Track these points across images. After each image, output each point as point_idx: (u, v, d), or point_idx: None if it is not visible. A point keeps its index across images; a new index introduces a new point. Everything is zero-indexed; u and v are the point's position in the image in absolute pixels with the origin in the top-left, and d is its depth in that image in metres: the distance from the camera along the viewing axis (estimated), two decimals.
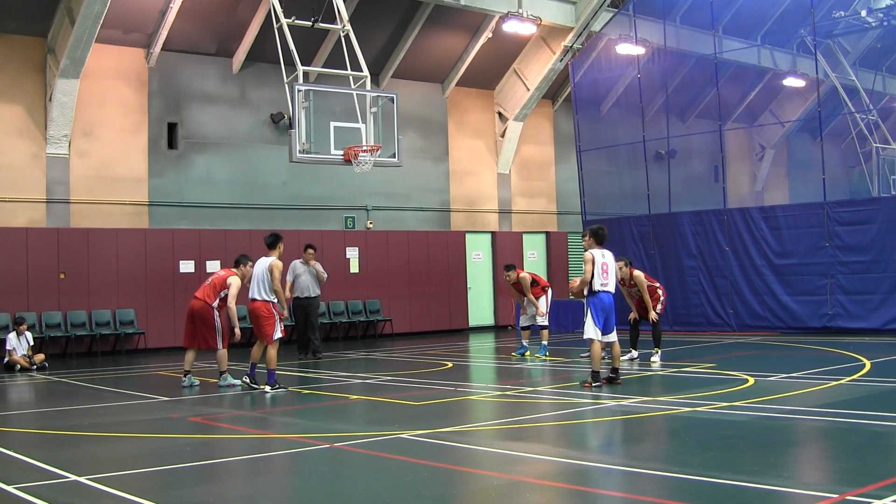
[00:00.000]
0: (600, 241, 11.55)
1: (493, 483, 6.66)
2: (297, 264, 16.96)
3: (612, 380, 11.42)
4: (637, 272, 14.14)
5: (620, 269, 13.77)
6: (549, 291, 16.26)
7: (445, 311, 23.72)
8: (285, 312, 12.46)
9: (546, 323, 16.01)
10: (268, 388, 11.97)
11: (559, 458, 7.39)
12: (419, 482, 6.69)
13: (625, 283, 14.10)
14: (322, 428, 9.20)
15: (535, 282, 15.91)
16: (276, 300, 12.17)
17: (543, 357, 15.33)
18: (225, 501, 6.36)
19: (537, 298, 15.79)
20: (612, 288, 11.46)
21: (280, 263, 12.28)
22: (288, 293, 16.90)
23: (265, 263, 12.19)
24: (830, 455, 7.42)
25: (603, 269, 11.38)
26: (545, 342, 15.82)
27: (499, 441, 8.30)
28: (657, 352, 13.98)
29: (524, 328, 16.28)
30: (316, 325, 17.10)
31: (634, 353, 14.29)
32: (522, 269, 16.91)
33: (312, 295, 16.86)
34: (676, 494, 6.04)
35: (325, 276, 17.21)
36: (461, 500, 6.24)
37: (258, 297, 12.12)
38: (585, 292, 11.40)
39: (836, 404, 9.45)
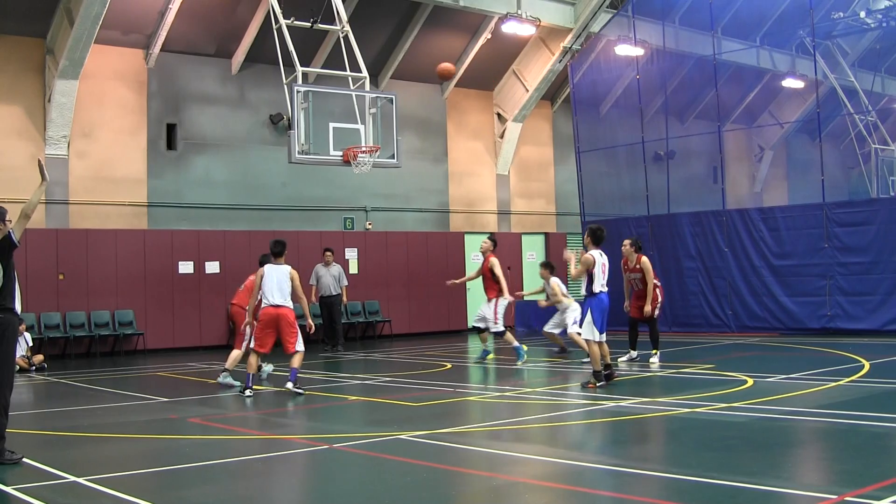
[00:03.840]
0: (598, 242, 11.59)
1: (492, 484, 6.66)
2: (319, 267, 19.09)
3: (609, 376, 11.43)
4: (645, 258, 13.88)
5: (625, 247, 13.74)
6: (504, 299, 14.92)
7: (444, 312, 23.71)
8: (310, 321, 12.03)
9: (501, 329, 14.82)
10: (290, 385, 11.53)
11: (558, 459, 7.40)
12: (418, 483, 6.69)
13: (627, 266, 13.95)
14: (321, 429, 9.21)
15: (495, 276, 14.82)
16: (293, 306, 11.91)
17: (522, 362, 14.48)
18: (224, 502, 6.36)
19: (489, 301, 14.85)
20: (606, 287, 11.55)
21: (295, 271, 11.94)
22: (314, 297, 18.80)
23: (285, 271, 11.71)
24: (829, 456, 7.42)
25: (602, 270, 11.44)
26: (516, 344, 14.80)
27: (497, 442, 8.31)
28: (656, 353, 13.93)
29: (482, 330, 15.11)
30: (338, 320, 19.19)
31: (634, 354, 14.20)
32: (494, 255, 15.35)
33: (334, 293, 18.93)
34: (675, 495, 6.05)
35: (346, 282, 19.35)
36: (460, 501, 6.25)
37: (284, 304, 11.64)
38: (584, 292, 11.51)
39: (835, 405, 9.45)
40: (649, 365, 13.63)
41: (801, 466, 7.14)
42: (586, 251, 11.61)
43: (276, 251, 11.92)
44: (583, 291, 11.57)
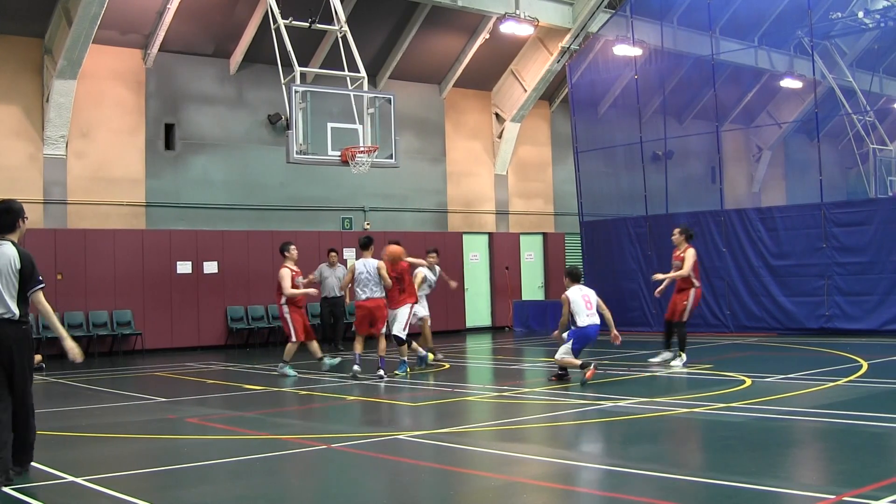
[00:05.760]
0: (576, 279, 12.30)
1: (491, 484, 6.66)
2: (323, 268, 19.00)
3: (562, 376, 12.05)
4: (692, 249, 13.64)
5: (675, 235, 13.88)
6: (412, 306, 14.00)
7: (442, 312, 23.65)
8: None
9: (404, 337, 13.74)
10: (381, 372, 12.86)
11: (556, 459, 7.40)
12: (416, 483, 6.70)
13: (675, 253, 13.81)
14: (319, 429, 9.21)
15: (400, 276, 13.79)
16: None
17: (403, 374, 13.47)
18: (222, 502, 6.36)
19: (400, 306, 13.76)
20: (597, 319, 12.11)
21: (383, 262, 13.40)
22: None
23: (372, 264, 13.22)
24: (827, 456, 7.43)
25: (585, 302, 12.02)
26: (405, 357, 13.78)
27: (496, 442, 8.31)
28: (681, 355, 13.47)
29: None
30: (341, 321, 19.16)
31: (667, 355, 13.69)
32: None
33: (339, 295, 18.68)
34: (674, 495, 6.05)
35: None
36: (458, 501, 6.25)
37: (376, 295, 13.19)
38: (572, 326, 12.07)
39: (834, 405, 9.46)
40: (670, 367, 13.28)
41: (799, 466, 7.14)
42: (566, 290, 12.22)
43: (363, 244, 13.58)
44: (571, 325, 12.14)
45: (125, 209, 19.46)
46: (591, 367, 11.49)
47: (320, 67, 19.32)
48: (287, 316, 13.94)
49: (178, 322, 19.60)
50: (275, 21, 15.96)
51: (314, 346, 14.35)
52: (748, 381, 11.43)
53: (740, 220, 19.82)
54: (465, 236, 24.61)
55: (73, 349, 7.10)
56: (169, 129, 20.25)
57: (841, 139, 27.15)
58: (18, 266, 6.74)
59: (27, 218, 7.13)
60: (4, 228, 6.89)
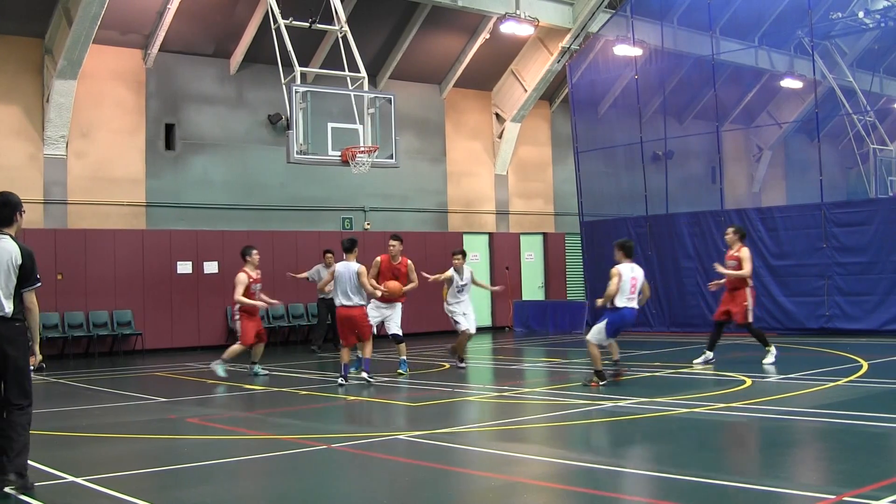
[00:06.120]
0: (629, 254, 11.65)
1: (491, 484, 6.66)
2: (320, 268, 18.82)
3: (617, 374, 11.69)
4: (746, 249, 13.38)
5: (728, 234, 13.67)
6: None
7: (442, 313, 23.56)
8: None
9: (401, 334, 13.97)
10: (365, 375, 12.60)
11: (556, 460, 7.40)
12: (416, 483, 6.70)
13: (728, 253, 13.64)
14: (319, 429, 9.20)
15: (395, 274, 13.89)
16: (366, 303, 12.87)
17: (404, 373, 13.67)
18: (222, 502, 6.36)
19: (392, 304, 13.99)
20: (636, 304, 11.61)
21: (364, 268, 12.67)
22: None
23: (353, 268, 12.52)
24: (828, 456, 7.43)
25: (631, 285, 11.46)
26: (404, 356, 13.99)
27: (496, 442, 8.31)
28: (769, 350, 13.32)
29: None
30: None
31: (710, 355, 13.59)
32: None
33: None
34: (673, 495, 6.05)
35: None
36: (459, 501, 6.25)
37: (354, 303, 12.59)
38: (608, 305, 11.51)
39: (834, 405, 9.46)
40: (763, 364, 13.15)
41: (800, 466, 7.14)
42: (617, 264, 11.61)
43: (346, 247, 12.80)
44: (608, 305, 11.55)
45: (125, 209, 19.46)
46: (599, 382, 11.27)
47: (320, 67, 19.32)
48: (237, 320, 13.81)
49: (179, 322, 19.60)
50: (275, 21, 15.96)
51: (259, 349, 13.98)
52: (748, 381, 11.43)
53: (740, 220, 19.76)
54: (465, 236, 24.59)
55: (37, 355, 6.85)
56: (169, 129, 20.25)
57: (841, 139, 27.15)
58: (19, 262, 6.51)
59: (25, 211, 6.88)
60: (2, 222, 6.63)
